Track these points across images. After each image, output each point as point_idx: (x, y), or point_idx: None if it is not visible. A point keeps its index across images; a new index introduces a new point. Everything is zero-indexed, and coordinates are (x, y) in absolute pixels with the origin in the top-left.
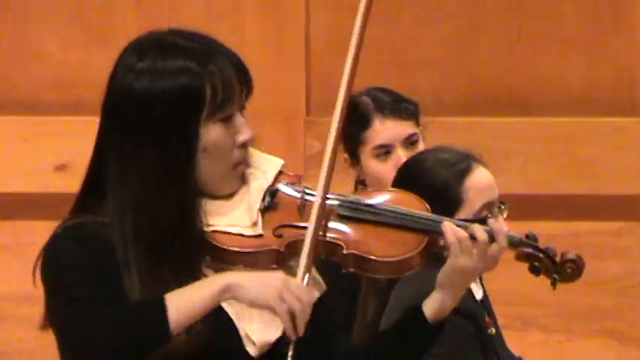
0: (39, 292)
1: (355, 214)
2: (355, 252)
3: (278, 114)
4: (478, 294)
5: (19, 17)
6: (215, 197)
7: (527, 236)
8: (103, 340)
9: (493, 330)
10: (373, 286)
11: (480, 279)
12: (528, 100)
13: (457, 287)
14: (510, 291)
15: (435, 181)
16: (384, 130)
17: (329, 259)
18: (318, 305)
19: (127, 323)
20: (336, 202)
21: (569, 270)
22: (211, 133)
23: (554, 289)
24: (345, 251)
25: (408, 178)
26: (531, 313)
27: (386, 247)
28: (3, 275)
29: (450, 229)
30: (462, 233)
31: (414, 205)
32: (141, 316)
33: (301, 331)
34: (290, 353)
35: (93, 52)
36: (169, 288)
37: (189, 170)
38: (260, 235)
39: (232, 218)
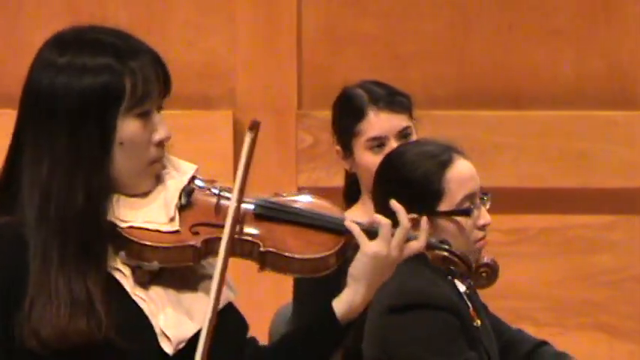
0: None
1: (272, 213)
2: (272, 250)
3: (269, 107)
4: (462, 287)
5: (11, 11)
6: (130, 195)
7: (441, 242)
8: None
9: (478, 322)
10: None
11: None
12: (520, 94)
13: (370, 280)
14: (503, 285)
15: (416, 173)
16: (379, 122)
17: (245, 259)
18: (229, 310)
19: None
20: (253, 202)
21: (484, 274)
22: (128, 127)
23: (467, 292)
24: (262, 249)
25: (389, 171)
26: (523, 306)
27: (303, 246)
28: None
29: (352, 224)
30: (367, 224)
31: (328, 209)
32: None
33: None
34: None
35: None
36: (77, 280)
37: (102, 162)
38: (177, 232)
39: (149, 215)
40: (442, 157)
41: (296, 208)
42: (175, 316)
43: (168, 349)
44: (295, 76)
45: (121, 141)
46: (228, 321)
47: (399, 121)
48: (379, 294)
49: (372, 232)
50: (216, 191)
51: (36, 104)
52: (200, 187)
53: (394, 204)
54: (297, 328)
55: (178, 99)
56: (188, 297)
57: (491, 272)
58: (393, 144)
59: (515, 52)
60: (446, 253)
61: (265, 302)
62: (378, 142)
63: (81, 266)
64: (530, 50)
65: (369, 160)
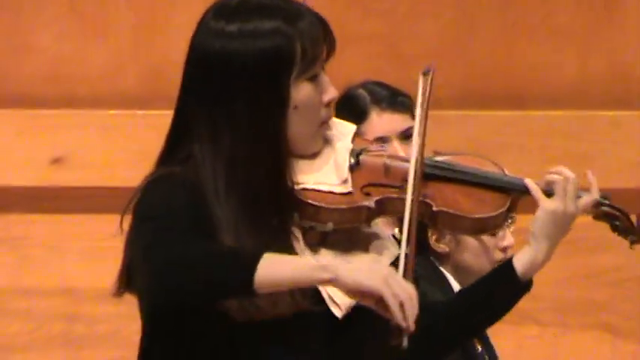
0: (34, 285)
1: (441, 172)
2: (444, 209)
3: None
4: (455, 286)
5: (13, 10)
6: (301, 156)
7: (604, 197)
8: (185, 270)
9: (479, 348)
10: None
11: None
12: (523, 94)
13: (549, 237)
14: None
15: None
16: (381, 123)
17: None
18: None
19: (215, 262)
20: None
21: None
22: (301, 91)
23: (632, 248)
24: (434, 208)
25: None
26: (526, 306)
27: (474, 205)
28: None
29: (531, 183)
30: (554, 176)
31: (490, 167)
32: (231, 261)
33: (412, 324)
34: (404, 344)
35: (87, 45)
36: (261, 245)
37: (282, 127)
38: (350, 193)
39: (321, 176)
40: None
41: (464, 167)
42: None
43: (337, 313)
44: None
45: (296, 105)
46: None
47: (401, 121)
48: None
49: (547, 191)
50: (383, 152)
51: (208, 74)
52: (368, 148)
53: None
54: (478, 283)
55: None
56: (356, 259)
57: None
58: (395, 144)
59: (519, 52)
60: (610, 209)
61: None
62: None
63: (273, 235)
64: (533, 50)
65: None
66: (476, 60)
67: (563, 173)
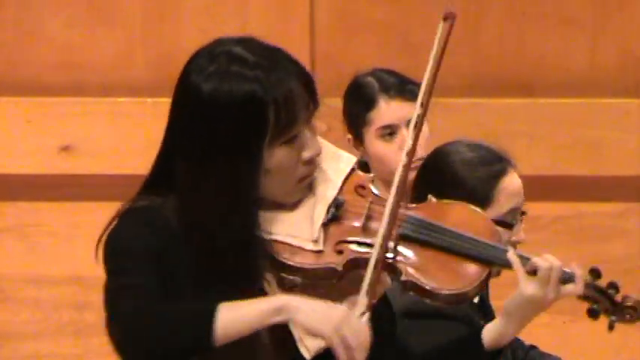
0: (43, 273)
1: (419, 235)
2: (413, 280)
3: None
4: (475, 297)
5: None
6: (279, 206)
7: (591, 271)
8: (144, 336)
9: None
10: None
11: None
12: (532, 82)
13: (522, 317)
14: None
15: (469, 175)
16: (390, 110)
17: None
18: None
19: (172, 325)
20: (403, 222)
21: (627, 316)
22: (275, 156)
23: (610, 331)
24: (403, 277)
25: (439, 166)
26: None
27: (446, 278)
28: (7, 257)
29: (515, 259)
30: (541, 263)
31: (480, 226)
32: (188, 321)
33: None
34: None
35: (97, 33)
36: (227, 295)
37: (255, 187)
38: (320, 251)
39: (295, 229)
40: (497, 165)
41: (447, 231)
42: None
43: (306, 355)
44: (308, 64)
45: (268, 169)
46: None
47: (410, 109)
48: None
49: (529, 271)
50: (367, 201)
51: (187, 124)
52: (351, 197)
53: (511, 255)
54: (446, 346)
55: None
56: (333, 301)
57: (635, 315)
58: (404, 132)
59: (528, 40)
60: (593, 292)
61: None
62: (390, 131)
63: (241, 281)
64: (543, 38)
65: (380, 149)
66: (485, 48)
67: (548, 260)
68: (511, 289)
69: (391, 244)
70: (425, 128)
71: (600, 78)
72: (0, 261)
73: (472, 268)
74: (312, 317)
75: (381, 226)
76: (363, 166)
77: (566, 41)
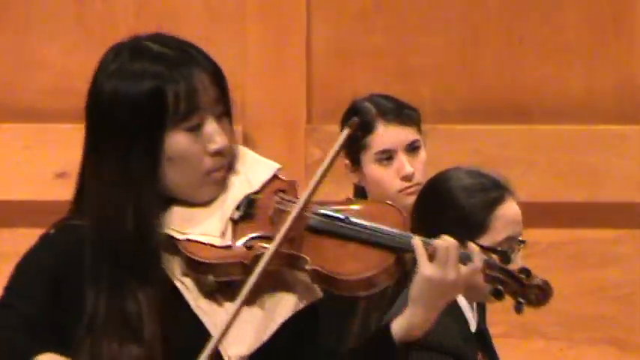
0: None
1: (325, 227)
2: (318, 268)
3: (279, 121)
4: (473, 326)
5: (20, 24)
6: (193, 204)
7: (499, 257)
8: None
9: None
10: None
11: (483, 309)
12: (530, 108)
13: (427, 302)
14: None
15: (466, 201)
16: (388, 135)
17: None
18: (306, 313)
19: None
20: (312, 212)
21: (533, 296)
22: (175, 142)
23: (518, 313)
24: (307, 266)
25: (437, 193)
26: (532, 320)
27: (350, 265)
28: (3, 283)
29: (418, 243)
30: (437, 242)
31: (390, 218)
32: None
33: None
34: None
35: (94, 59)
36: (134, 295)
37: (151, 178)
38: (229, 247)
39: (207, 227)
40: (494, 193)
41: (352, 222)
42: (238, 331)
43: None
44: (304, 91)
45: (170, 156)
46: (301, 325)
47: (407, 134)
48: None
49: (432, 253)
50: (277, 199)
51: (89, 114)
52: (265, 195)
53: (415, 240)
54: (357, 346)
55: None
56: (258, 306)
57: (541, 295)
58: (401, 157)
59: (525, 66)
60: (497, 273)
61: None
62: (387, 155)
63: (132, 287)
64: (539, 64)
65: (378, 173)
66: (483, 74)
67: (446, 241)
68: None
69: (296, 236)
70: (422, 153)
71: (598, 104)
72: None
73: (377, 255)
74: None
75: (288, 217)
76: (360, 190)
77: (564, 68)
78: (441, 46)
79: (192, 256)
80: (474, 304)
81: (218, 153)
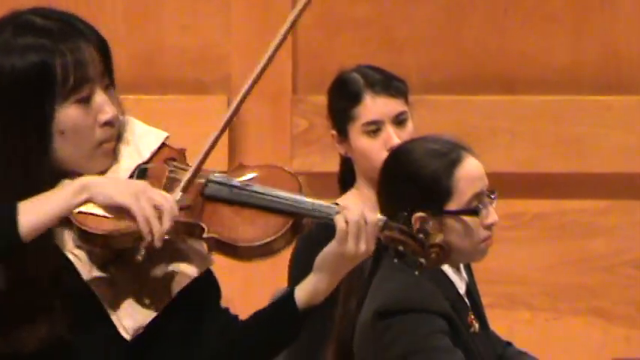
0: None
1: (221, 194)
2: (215, 236)
3: (264, 92)
4: (461, 287)
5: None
6: (82, 176)
7: (398, 216)
8: None
9: (476, 327)
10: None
11: (469, 267)
12: (515, 79)
13: (335, 272)
14: (497, 269)
15: (424, 171)
16: (375, 106)
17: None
18: (202, 281)
19: None
20: (205, 179)
21: (433, 255)
22: (67, 114)
23: (418, 272)
24: (205, 235)
25: (396, 168)
26: (518, 291)
27: (247, 231)
28: None
29: (341, 215)
30: (353, 216)
31: (285, 183)
32: None
33: (158, 238)
34: (140, 256)
35: None
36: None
37: (42, 153)
38: (122, 217)
39: None
40: (451, 155)
41: (248, 189)
42: (133, 302)
43: (125, 335)
44: (290, 61)
45: (62, 129)
46: (193, 292)
47: (395, 105)
48: (370, 298)
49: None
50: (172, 167)
51: None
52: (156, 164)
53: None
54: (261, 311)
55: (173, 84)
56: (152, 277)
57: (441, 253)
58: (389, 128)
59: (510, 37)
60: (397, 234)
61: (263, 282)
62: (374, 127)
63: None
64: (525, 35)
65: (365, 145)
66: (467, 45)
67: (359, 214)
68: (493, 286)
69: (191, 203)
70: (409, 125)
71: (582, 75)
72: None
73: (275, 220)
74: (112, 189)
75: (180, 183)
76: (347, 161)
77: (548, 38)
78: (426, 17)
79: (85, 228)
80: (461, 265)
81: (108, 123)
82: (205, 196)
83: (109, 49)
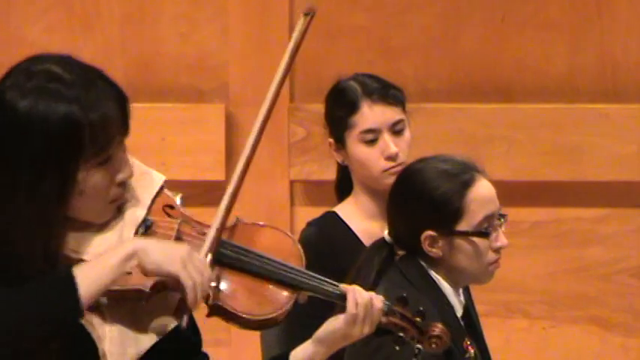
0: None
1: (231, 261)
2: (219, 304)
3: (261, 100)
4: (459, 310)
5: (2, 3)
6: (87, 225)
7: (398, 299)
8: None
9: (471, 352)
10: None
11: (468, 291)
12: (512, 87)
13: (333, 347)
14: (495, 278)
15: (435, 192)
16: (373, 114)
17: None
18: (172, 333)
19: (30, 303)
20: (215, 245)
21: (434, 345)
22: (90, 177)
23: None
24: (210, 302)
25: (406, 187)
26: (515, 299)
27: (253, 303)
28: None
29: (353, 297)
30: (363, 300)
31: (288, 250)
32: (49, 294)
33: (197, 305)
34: (184, 323)
35: (76, 38)
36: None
37: (60, 208)
38: (128, 273)
39: (103, 250)
40: (463, 176)
41: (259, 258)
42: (121, 339)
43: None
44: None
45: (82, 190)
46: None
47: (392, 113)
48: None
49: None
50: (177, 221)
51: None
52: (161, 217)
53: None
54: None
55: (171, 92)
56: (142, 319)
57: (440, 344)
58: (386, 137)
59: (508, 44)
60: (399, 320)
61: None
62: (372, 135)
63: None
64: (522, 43)
65: (362, 153)
66: (465, 53)
67: (367, 298)
68: (490, 294)
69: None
70: (407, 133)
71: (579, 83)
72: None
73: (281, 295)
74: (161, 256)
75: (204, 244)
76: (344, 170)
77: (546, 46)
78: (423, 26)
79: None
80: (460, 289)
81: (124, 183)
82: (214, 259)
83: (127, 100)
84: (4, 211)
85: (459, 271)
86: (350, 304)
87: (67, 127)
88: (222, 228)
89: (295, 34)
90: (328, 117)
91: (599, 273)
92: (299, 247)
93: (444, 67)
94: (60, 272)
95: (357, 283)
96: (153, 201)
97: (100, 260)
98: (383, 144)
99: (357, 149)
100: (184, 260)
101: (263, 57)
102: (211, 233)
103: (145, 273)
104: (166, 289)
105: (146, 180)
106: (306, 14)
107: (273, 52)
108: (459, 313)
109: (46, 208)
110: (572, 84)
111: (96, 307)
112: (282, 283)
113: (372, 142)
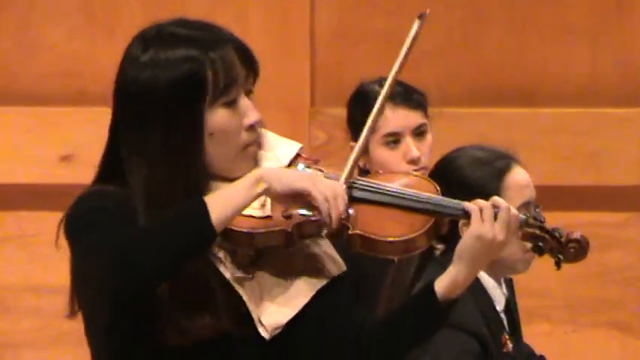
0: (44, 282)
1: (364, 195)
2: (360, 232)
3: (282, 105)
4: (500, 303)
5: (24, 7)
6: (227, 179)
7: (534, 217)
8: (142, 244)
9: (510, 346)
10: (399, 279)
11: (511, 282)
12: (533, 91)
13: (473, 260)
14: (516, 282)
15: (469, 178)
16: (396, 118)
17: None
18: (336, 283)
19: (168, 231)
20: (348, 179)
21: (572, 250)
22: (216, 117)
23: (558, 269)
24: (350, 232)
25: (444, 174)
26: (537, 304)
27: (391, 228)
28: (8, 266)
29: (471, 204)
30: (483, 202)
31: (424, 188)
32: (184, 221)
33: (335, 219)
34: (323, 235)
35: (98, 43)
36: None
37: (196, 155)
38: (269, 217)
39: None
40: (500, 163)
41: (391, 190)
42: (273, 301)
43: (264, 334)
44: (308, 74)
45: (211, 132)
46: (336, 294)
47: (415, 117)
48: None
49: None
50: (317, 168)
51: (125, 103)
52: (297, 168)
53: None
54: (401, 305)
55: None
56: (290, 278)
57: (579, 248)
58: (408, 140)
59: (529, 49)
60: (537, 230)
61: None
62: (394, 138)
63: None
64: (543, 48)
65: (385, 156)
66: (486, 57)
67: (496, 200)
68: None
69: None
70: (429, 137)
71: (600, 87)
72: (0, 270)
73: (418, 218)
74: (289, 178)
75: (342, 173)
76: (366, 174)
77: (567, 51)
78: (444, 30)
79: (232, 227)
80: (502, 280)
81: (253, 127)
82: (350, 198)
83: (250, 51)
84: (139, 164)
85: (496, 260)
86: (470, 205)
87: (188, 66)
88: (357, 159)
89: (409, 38)
90: (350, 121)
91: (621, 277)
92: (432, 182)
93: (464, 72)
94: (192, 200)
95: (396, 280)
96: (292, 161)
97: (229, 186)
98: (405, 148)
99: (380, 153)
100: (313, 178)
101: (284, 62)
102: (346, 169)
103: (276, 197)
104: (310, 235)
105: (284, 144)
106: (419, 17)
107: (294, 57)
108: (500, 306)
109: (184, 153)
110: (593, 88)
111: (245, 267)
112: (415, 209)
113: (394, 146)
